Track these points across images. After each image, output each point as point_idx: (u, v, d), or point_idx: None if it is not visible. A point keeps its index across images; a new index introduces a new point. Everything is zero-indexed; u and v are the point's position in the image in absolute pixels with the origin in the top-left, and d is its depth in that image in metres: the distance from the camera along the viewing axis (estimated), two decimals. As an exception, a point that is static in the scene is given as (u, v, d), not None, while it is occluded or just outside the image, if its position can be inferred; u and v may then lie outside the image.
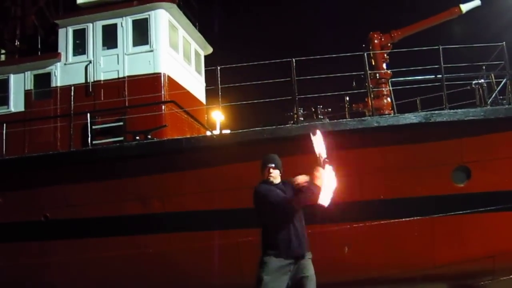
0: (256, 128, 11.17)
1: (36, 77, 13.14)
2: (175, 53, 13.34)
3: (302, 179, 6.29)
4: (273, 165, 6.43)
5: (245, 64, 11.96)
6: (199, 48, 15.26)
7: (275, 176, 6.42)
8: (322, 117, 12.02)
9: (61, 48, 13.05)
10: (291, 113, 11.64)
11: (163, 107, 12.14)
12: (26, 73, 13.19)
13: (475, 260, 10.41)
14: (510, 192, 10.57)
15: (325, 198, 5.90)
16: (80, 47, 12.98)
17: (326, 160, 6.21)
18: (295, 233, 6.12)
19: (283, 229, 6.11)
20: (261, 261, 6.14)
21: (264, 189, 6.27)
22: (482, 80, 11.92)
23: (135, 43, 12.71)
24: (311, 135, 6.42)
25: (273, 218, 6.15)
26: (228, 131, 12.95)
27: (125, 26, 12.78)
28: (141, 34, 12.71)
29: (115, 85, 12.47)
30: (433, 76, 11.48)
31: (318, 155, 6.21)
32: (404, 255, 10.55)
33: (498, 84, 11.63)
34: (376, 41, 13.21)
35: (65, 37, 13.06)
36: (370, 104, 11.77)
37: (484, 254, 10.40)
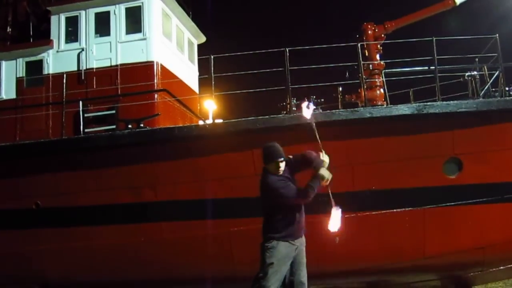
0: (249, 118, 11.18)
1: (28, 64, 13.08)
2: (168, 42, 13.32)
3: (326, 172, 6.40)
4: (282, 159, 6.44)
5: (238, 53, 11.97)
6: (193, 37, 15.24)
7: (283, 169, 6.47)
8: (315, 107, 12.02)
9: (53, 35, 12.99)
10: (284, 103, 11.64)
11: (155, 95, 12.13)
12: (18, 60, 13.12)
13: (465, 251, 10.48)
14: (501, 184, 10.65)
15: (334, 225, 6.29)
16: (72, 35, 12.92)
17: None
18: (299, 220, 6.44)
19: (292, 216, 6.38)
20: (268, 246, 6.33)
21: (277, 183, 6.36)
22: (475, 72, 11.99)
23: (128, 31, 12.67)
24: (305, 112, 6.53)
25: (283, 207, 6.34)
26: (220, 121, 12.95)
27: (118, 14, 12.73)
28: (134, 22, 12.66)
29: (108, 73, 12.45)
30: (426, 68, 11.53)
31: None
32: (395, 246, 10.62)
33: (491, 76, 11.68)
34: (369, 32, 13.20)
35: (58, 24, 12.99)
36: (363, 95, 11.78)
37: (474, 245, 10.47)
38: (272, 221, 6.43)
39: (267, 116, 11.05)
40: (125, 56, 12.51)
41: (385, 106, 11.82)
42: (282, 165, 6.45)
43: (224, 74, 11.70)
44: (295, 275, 6.39)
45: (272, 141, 6.67)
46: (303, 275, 6.44)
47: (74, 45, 12.88)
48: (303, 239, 6.55)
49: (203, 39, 15.75)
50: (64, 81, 12.33)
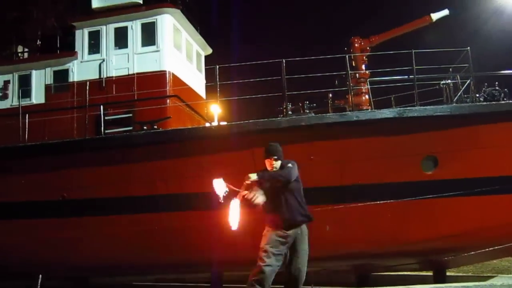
0: (250, 120, 11.17)
1: (55, 73, 13.13)
2: (179, 53, 13.31)
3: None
4: (275, 157, 6.35)
5: (241, 64, 12.02)
6: (200, 49, 15.22)
7: (276, 166, 6.35)
8: (308, 111, 12.01)
9: (77, 47, 13.06)
10: (281, 108, 11.62)
11: (167, 101, 12.18)
12: (46, 69, 13.18)
13: (441, 238, 10.45)
14: (472, 180, 10.57)
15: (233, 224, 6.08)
16: (94, 47, 12.99)
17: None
18: (290, 211, 6.18)
19: (281, 208, 6.18)
20: (263, 234, 6.29)
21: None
22: (449, 81, 11.94)
23: (143, 44, 12.74)
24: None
25: (271, 200, 6.19)
26: (225, 123, 12.94)
27: (134, 29, 12.77)
28: (149, 36, 12.73)
29: (125, 81, 12.49)
30: (406, 77, 11.48)
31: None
32: (379, 233, 10.57)
33: (463, 84, 11.64)
34: (356, 45, 13.24)
35: (81, 37, 13.07)
36: (350, 100, 11.80)
37: (449, 233, 10.41)
38: (267, 212, 6.33)
39: (266, 119, 11.06)
40: (140, 66, 12.55)
41: (370, 110, 11.79)
42: (275, 164, 6.34)
43: (228, 82, 11.73)
44: (293, 262, 6.23)
45: (276, 142, 6.56)
46: (300, 262, 6.20)
47: (96, 56, 12.93)
48: (301, 228, 6.26)
49: (209, 51, 15.74)
50: (87, 87, 12.33)
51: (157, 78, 12.34)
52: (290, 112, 11.51)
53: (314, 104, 12.27)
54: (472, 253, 11.20)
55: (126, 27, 12.84)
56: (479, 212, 10.47)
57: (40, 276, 11.59)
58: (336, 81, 12.10)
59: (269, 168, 6.35)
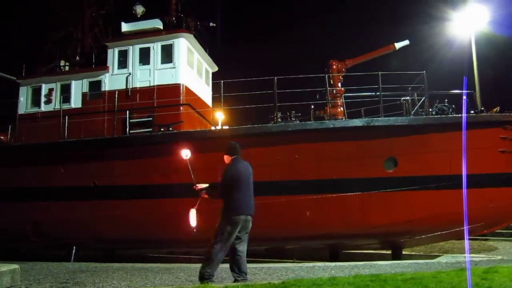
0: (247, 125, 11.26)
1: (91, 83, 13.08)
2: (191, 70, 13.31)
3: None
4: (225, 152, 6.37)
5: (241, 79, 12.04)
6: (208, 66, 15.21)
7: (225, 160, 6.30)
8: (294, 119, 12.02)
9: (109, 63, 13.02)
10: (272, 116, 11.66)
11: (181, 108, 12.16)
12: (83, 80, 13.13)
13: (399, 223, 10.54)
14: (425, 177, 10.68)
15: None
16: (123, 63, 12.96)
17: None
18: None
19: None
20: None
21: None
22: (408, 98, 12.02)
23: (162, 61, 12.70)
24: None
25: None
26: (227, 127, 12.96)
27: (155, 49, 12.75)
28: (167, 55, 12.71)
29: (147, 91, 12.45)
30: (374, 93, 11.55)
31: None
32: (349, 218, 10.65)
33: (419, 100, 11.73)
34: (334, 66, 13.23)
35: (112, 55, 13.03)
36: (328, 111, 11.86)
37: (405, 219, 10.53)
38: None
39: (260, 125, 11.10)
40: (160, 79, 12.51)
41: (343, 119, 11.84)
42: (225, 157, 6.34)
43: (230, 94, 11.77)
44: None
45: (235, 142, 6.50)
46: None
47: (124, 70, 12.87)
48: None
49: (216, 68, 15.72)
50: (116, 96, 12.32)
51: (173, 89, 12.32)
52: (279, 120, 11.55)
53: (299, 114, 12.28)
54: (423, 236, 11.30)
55: (149, 48, 12.81)
56: (429, 203, 10.57)
57: (74, 247, 11.62)
58: (317, 95, 12.14)
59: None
